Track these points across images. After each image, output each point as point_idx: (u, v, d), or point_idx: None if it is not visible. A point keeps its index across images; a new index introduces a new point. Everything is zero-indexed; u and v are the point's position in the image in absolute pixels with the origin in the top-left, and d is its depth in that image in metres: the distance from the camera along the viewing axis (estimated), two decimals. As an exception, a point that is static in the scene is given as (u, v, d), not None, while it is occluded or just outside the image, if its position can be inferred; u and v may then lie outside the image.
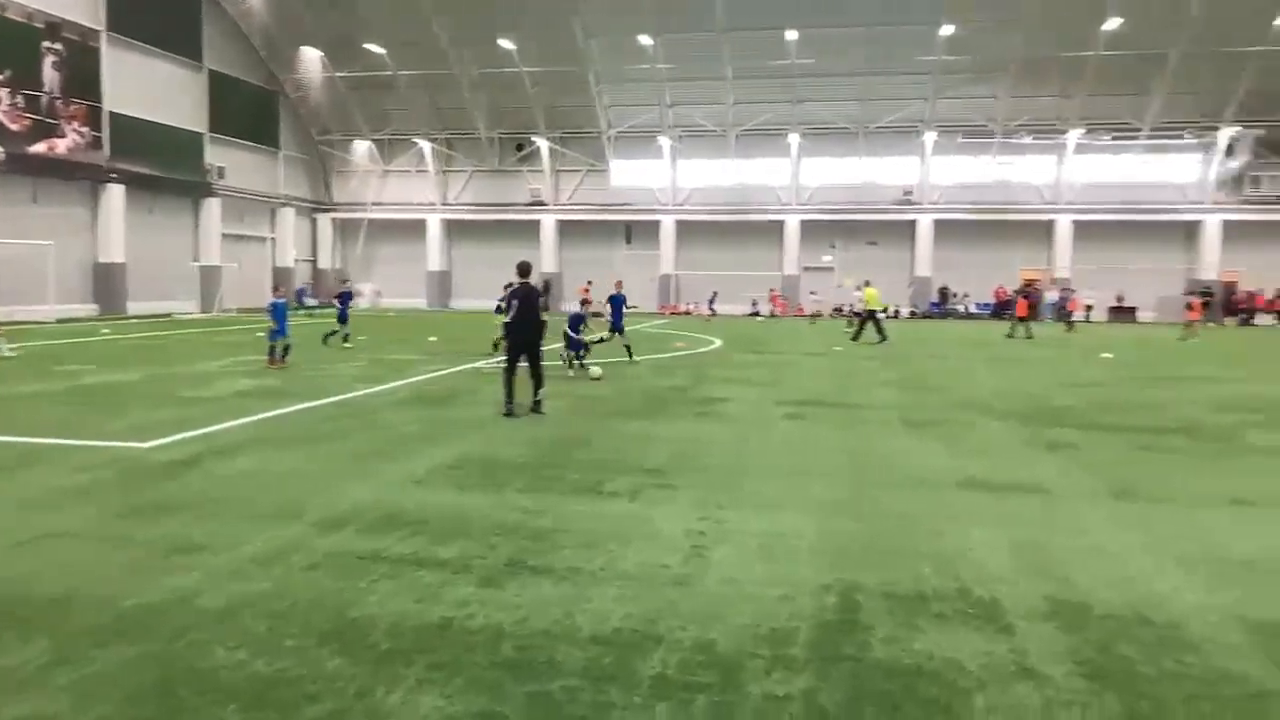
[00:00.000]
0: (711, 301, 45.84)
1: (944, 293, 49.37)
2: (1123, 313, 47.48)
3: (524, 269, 12.35)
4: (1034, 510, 7.52)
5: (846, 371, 19.05)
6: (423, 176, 54.02)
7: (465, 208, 54.19)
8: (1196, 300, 35.49)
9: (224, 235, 45.24)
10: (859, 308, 30.57)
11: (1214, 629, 4.94)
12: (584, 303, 18.62)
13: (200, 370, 17.40)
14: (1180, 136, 46.13)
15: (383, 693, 4.09)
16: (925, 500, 7.79)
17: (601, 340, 18.93)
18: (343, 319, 22.85)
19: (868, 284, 30.12)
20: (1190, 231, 47.44)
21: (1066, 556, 6.22)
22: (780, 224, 50.85)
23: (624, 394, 14.64)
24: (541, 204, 52.91)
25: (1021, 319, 32.70)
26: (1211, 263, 46.41)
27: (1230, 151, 45.45)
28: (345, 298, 23.33)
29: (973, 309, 48.79)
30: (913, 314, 48.68)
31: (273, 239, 50.72)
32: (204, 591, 5.34)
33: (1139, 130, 45.89)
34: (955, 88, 46.17)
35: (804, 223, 50.46)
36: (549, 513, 7.18)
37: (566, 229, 53.34)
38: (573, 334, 17.39)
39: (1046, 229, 48.50)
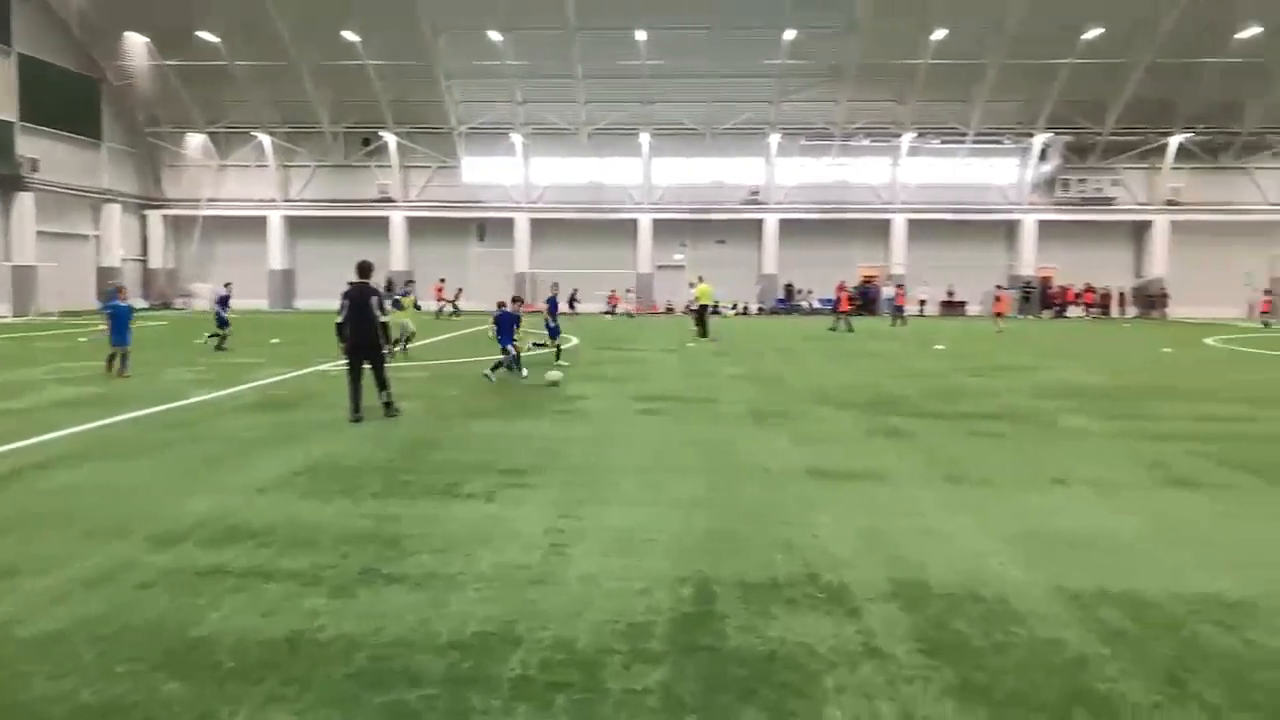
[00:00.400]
0: (573, 300, 45.90)
1: (790, 289, 51.11)
2: (953, 306, 50.42)
3: (363, 269, 12.01)
4: (876, 496, 7.90)
5: (698, 368, 19.44)
6: (263, 171, 51.57)
7: (309, 204, 52.08)
8: (1004, 294, 38.10)
9: (40, 233, 41.86)
10: (693, 304, 31.36)
11: (1037, 601, 5.33)
12: (516, 299, 16.87)
13: (18, 378, 16.04)
14: (1000, 142, 49.39)
15: (227, 714, 3.90)
16: (775, 490, 8.06)
17: (535, 346, 18.34)
18: (222, 323, 22.74)
19: (700, 280, 31.05)
20: (1011, 230, 50.87)
21: (906, 539, 6.57)
22: (633, 222, 51.38)
23: (480, 394, 14.46)
24: (390, 200, 51.51)
25: (843, 313, 34.69)
26: (1029, 260, 49.92)
27: (1043, 156, 48.99)
28: (223, 301, 23.67)
29: (816, 305, 50.70)
30: (760, 310, 50.16)
31: (97, 237, 47.30)
32: (22, 619, 4.94)
33: (964, 135, 48.83)
34: (798, 91, 47.85)
35: (656, 221, 51.17)
36: (403, 518, 7.02)
37: (417, 226, 52.15)
38: (502, 339, 16.04)
39: (884, 227, 50.94)
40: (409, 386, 14.74)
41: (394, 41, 44.87)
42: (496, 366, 16.20)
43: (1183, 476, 8.78)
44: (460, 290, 45.29)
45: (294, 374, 17.08)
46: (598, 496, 7.77)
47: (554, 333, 20.10)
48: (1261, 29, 40.38)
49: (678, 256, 51.56)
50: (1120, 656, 4.55)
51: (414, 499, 7.64)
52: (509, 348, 16.17)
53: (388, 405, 11.87)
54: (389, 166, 51.22)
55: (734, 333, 31.41)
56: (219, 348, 22.20)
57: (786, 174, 50.75)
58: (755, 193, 50.74)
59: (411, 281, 20.93)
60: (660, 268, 51.54)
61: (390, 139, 50.10)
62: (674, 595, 5.39)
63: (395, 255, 50.93)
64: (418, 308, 30.30)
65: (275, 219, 51.87)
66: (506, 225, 51.92)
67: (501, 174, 51.71)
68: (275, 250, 52.00)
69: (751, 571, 5.82)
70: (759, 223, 50.89)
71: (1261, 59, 42.83)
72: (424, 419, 11.86)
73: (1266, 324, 39.64)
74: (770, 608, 5.20)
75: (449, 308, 43.99)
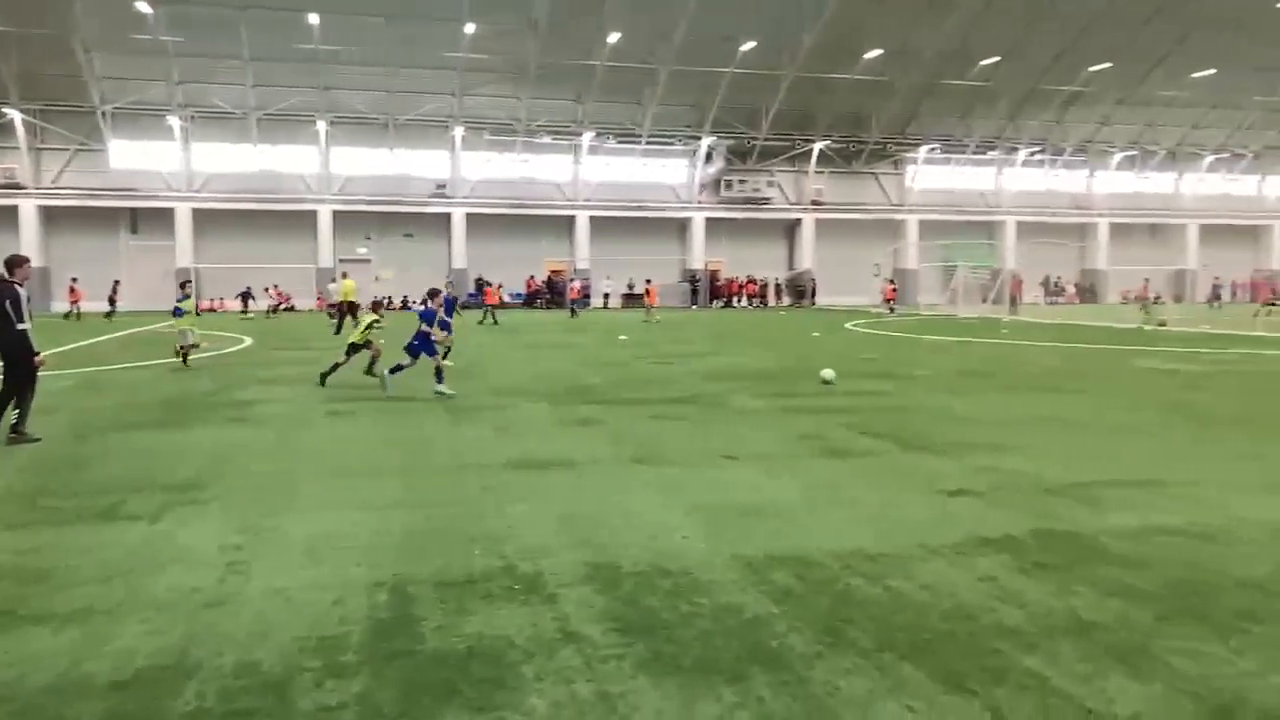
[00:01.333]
0: (246, 296, 42.74)
1: (480, 283, 51.02)
2: (634, 299, 52.96)
3: (8, 263, 10.29)
4: (570, 483, 8.13)
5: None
6: None
7: (-94, 189, 44.10)
8: (653, 287, 40.53)
9: None
10: (336, 299, 30.62)
11: (717, 571, 5.76)
12: (433, 294, 14.84)
13: None
14: (672, 143, 52.60)
15: None
16: (474, 484, 8.04)
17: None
18: None
19: (345, 275, 30.43)
20: (683, 227, 54.38)
21: (599, 522, 6.83)
22: (313, 214, 48.71)
23: (136, 403, 13.03)
24: (18, 187, 44.84)
25: (492, 307, 35.81)
26: (699, 254, 53.67)
27: (709, 158, 52.87)
28: None
29: (506, 299, 51.06)
30: (452, 305, 49.66)
31: None
32: None
33: (639, 136, 51.41)
34: (481, 85, 47.80)
35: (338, 213, 48.91)
36: (48, 549, 6.17)
37: (54, 216, 45.87)
38: (420, 340, 13.82)
39: (568, 223, 52.38)
40: (52, 399, 12.96)
41: (20, 4, 39.04)
42: (396, 370, 14.04)
43: (833, 447, 9.88)
44: (117, 283, 40.21)
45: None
46: (283, 506, 7.30)
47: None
48: (883, 50, 46.24)
49: (362, 250, 49.64)
50: (788, 614, 5.04)
51: (64, 526, 6.74)
52: (422, 355, 13.83)
53: (17, 431, 10.07)
54: (16, 148, 44.59)
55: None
56: None
57: (473, 168, 50.58)
58: (442, 186, 50.07)
59: (189, 282, 17.91)
60: (345, 261, 49.34)
61: (15, 115, 43.61)
62: (369, 602, 5.21)
63: (27, 249, 44.44)
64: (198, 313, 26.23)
65: None
66: (165, 216, 47.14)
67: (158, 160, 46.84)
68: None
69: (450, 569, 5.77)
70: (447, 216, 50.31)
71: (884, 77, 49.06)
72: (67, 435, 10.48)
73: (892, 310, 45.52)
74: (468, 604, 5.18)
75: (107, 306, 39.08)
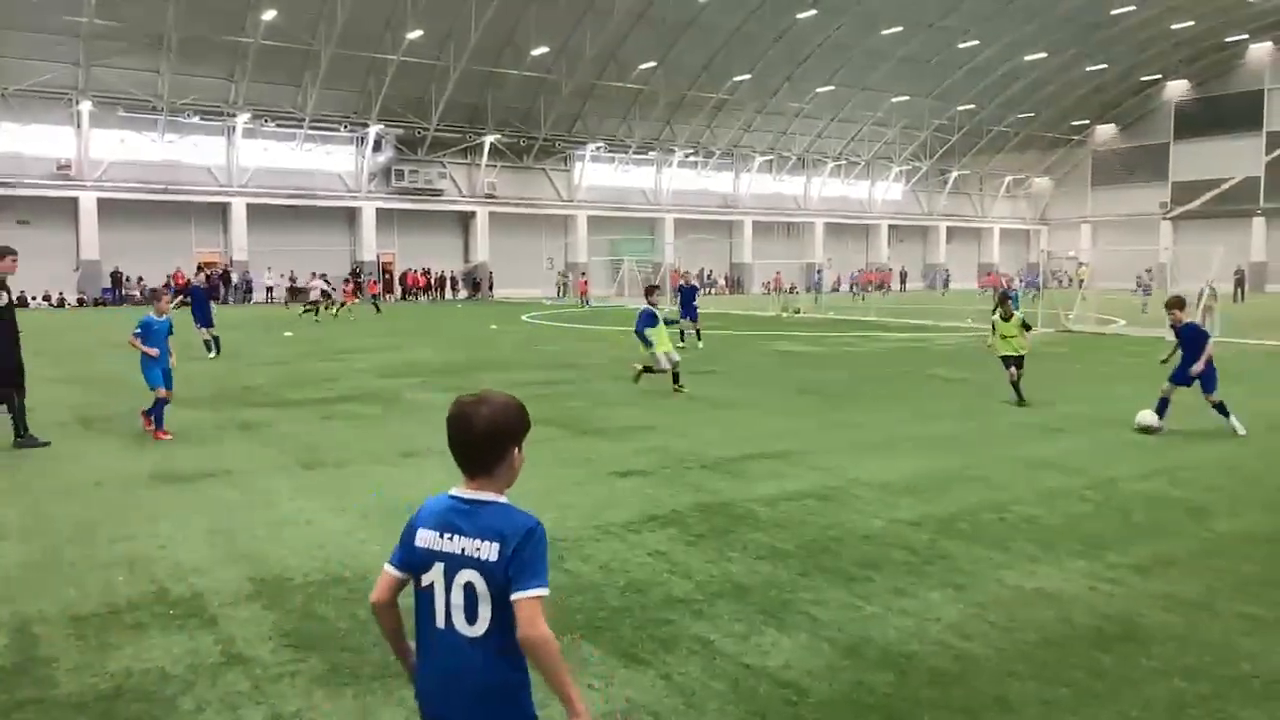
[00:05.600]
0: None
1: (117, 277, 45.52)
2: (299, 293, 49.89)
3: None
4: (229, 494, 7.53)
5: None
6: None
7: None
8: (347, 284, 38.73)
9: None
10: None
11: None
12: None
13: None
14: (337, 129, 50.19)
15: None
16: (111, 504, 7.18)
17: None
18: None
19: None
20: (353, 216, 52.15)
21: (264, 534, 6.39)
22: (-112, 195, 40.72)
23: None
24: None
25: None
26: (370, 245, 51.75)
27: (378, 147, 51.13)
28: None
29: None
30: (81, 302, 43.89)
31: None
32: None
33: (301, 120, 48.48)
34: (112, 57, 42.48)
35: (-76, 195, 41.27)
36: None
37: None
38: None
39: (223, 211, 48.24)
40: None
41: None
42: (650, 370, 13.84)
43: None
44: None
45: None
46: None
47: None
48: (549, 49, 47.33)
49: (-41, 239, 42.33)
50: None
51: None
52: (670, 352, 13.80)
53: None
54: None
55: (46, 329, 26.82)
56: None
57: (105, 148, 44.81)
58: (65, 167, 43.85)
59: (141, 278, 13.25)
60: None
61: None
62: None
63: None
64: None
65: None
66: None
67: None
68: None
69: (86, 600, 5.12)
70: (74, 201, 44.16)
71: (550, 75, 50.26)
72: None
73: (586, 304, 46.51)
74: (111, 637, 4.64)
75: None
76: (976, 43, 55.74)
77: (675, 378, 13.51)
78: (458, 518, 2.34)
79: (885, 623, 4.83)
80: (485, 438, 2.33)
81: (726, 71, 54.49)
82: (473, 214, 55.32)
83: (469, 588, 2.28)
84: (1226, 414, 9.98)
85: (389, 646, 2.56)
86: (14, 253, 9.64)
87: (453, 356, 19.19)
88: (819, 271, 53.05)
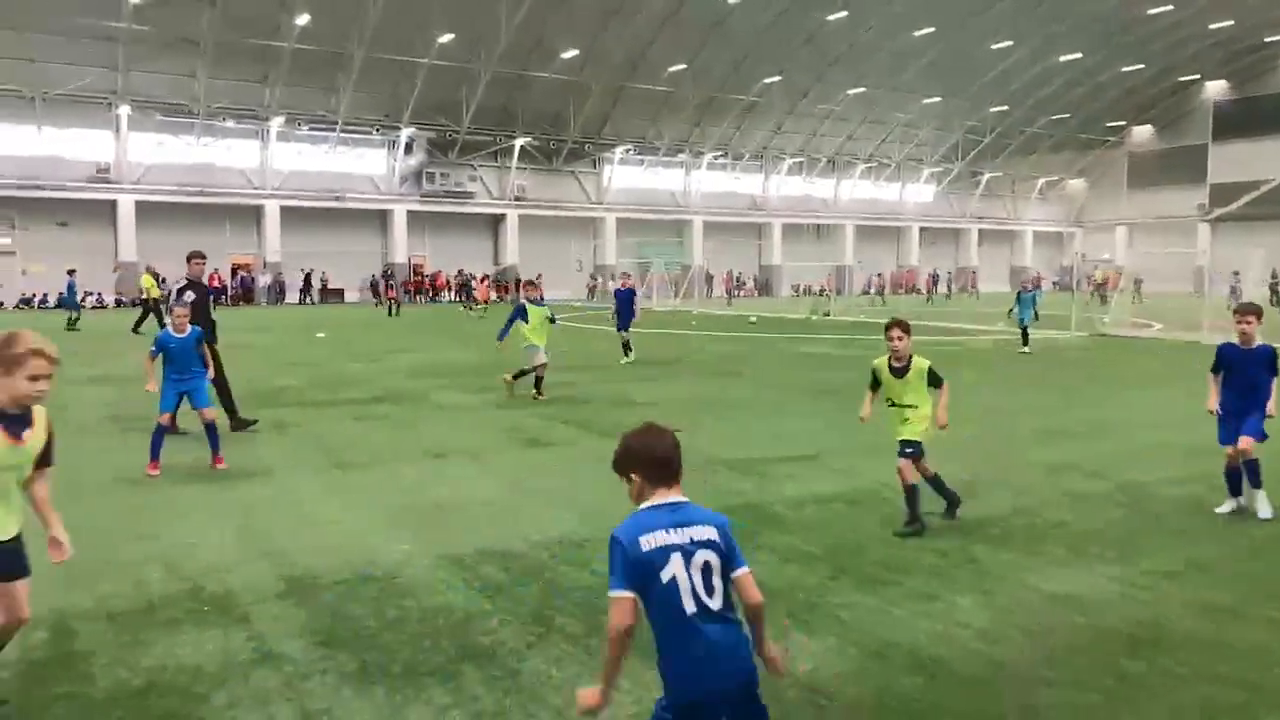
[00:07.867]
0: None
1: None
2: (332, 294, 50.48)
3: None
4: (261, 493, 7.63)
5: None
6: None
7: None
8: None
9: None
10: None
11: (423, 571, 5.67)
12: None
13: None
14: (370, 133, 50.63)
15: None
16: (145, 501, 7.31)
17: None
18: None
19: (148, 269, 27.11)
20: (384, 219, 52.58)
21: (294, 533, 6.47)
22: (-67, 198, 41.66)
23: None
24: None
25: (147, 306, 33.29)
26: (401, 247, 52.17)
27: (409, 150, 51.52)
28: None
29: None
30: (119, 302, 44.58)
31: None
32: None
33: (334, 123, 48.96)
34: (149, 61, 43.17)
35: (-33, 198, 42.16)
36: None
37: None
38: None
39: (256, 213, 48.82)
40: None
41: None
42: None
43: (535, 437, 10.06)
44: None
45: None
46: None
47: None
48: (578, 52, 47.46)
49: (5, 240, 43.22)
50: (499, 608, 5.07)
51: None
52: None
53: None
54: None
55: (89, 329, 27.39)
56: None
57: (143, 151, 45.53)
58: (104, 170, 44.60)
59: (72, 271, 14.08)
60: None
61: None
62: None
63: None
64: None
65: None
66: None
67: None
68: None
69: (120, 596, 5.22)
70: (112, 204, 44.93)
71: (579, 78, 50.38)
72: None
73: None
74: (145, 634, 4.72)
75: None
76: (1009, 43, 55.06)
77: (537, 382, 12.81)
78: (674, 515, 2.82)
79: (913, 627, 4.80)
80: (678, 453, 2.93)
81: (756, 73, 54.27)
82: (502, 216, 55.56)
83: (706, 566, 2.76)
84: (1258, 481, 6.89)
85: (611, 670, 2.78)
86: (203, 256, 10.06)
87: (480, 357, 19.29)
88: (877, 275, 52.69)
